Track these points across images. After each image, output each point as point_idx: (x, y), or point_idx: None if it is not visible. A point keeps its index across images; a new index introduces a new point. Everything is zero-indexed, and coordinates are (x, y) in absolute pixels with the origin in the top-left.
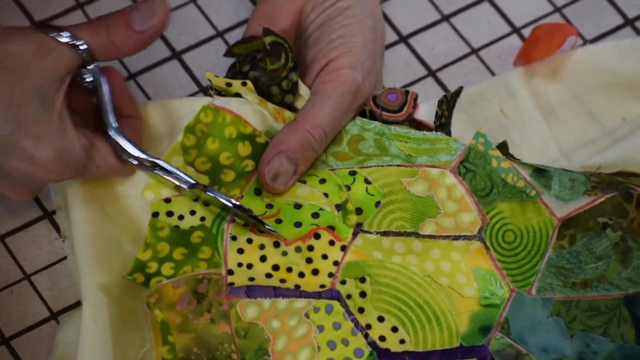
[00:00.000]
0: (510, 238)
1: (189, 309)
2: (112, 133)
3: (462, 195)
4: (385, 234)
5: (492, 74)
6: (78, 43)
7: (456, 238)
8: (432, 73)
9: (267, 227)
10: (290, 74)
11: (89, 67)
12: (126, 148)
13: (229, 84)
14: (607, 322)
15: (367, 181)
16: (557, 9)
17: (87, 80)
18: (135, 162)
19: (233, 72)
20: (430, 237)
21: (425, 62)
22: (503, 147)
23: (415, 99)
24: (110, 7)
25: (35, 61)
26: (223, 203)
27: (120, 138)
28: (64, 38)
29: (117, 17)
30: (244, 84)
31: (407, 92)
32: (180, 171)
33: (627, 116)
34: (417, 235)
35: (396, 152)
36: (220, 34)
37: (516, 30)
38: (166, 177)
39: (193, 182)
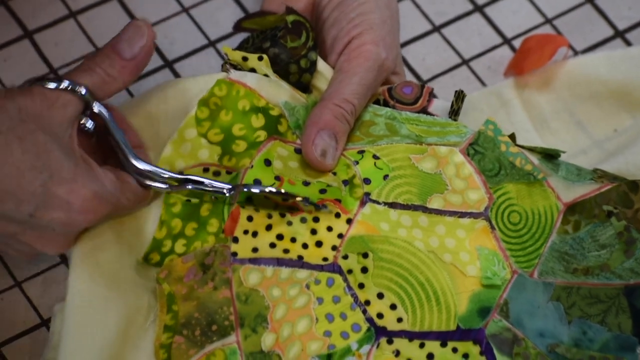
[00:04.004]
0: (515, 219)
1: (195, 280)
2: (136, 161)
3: (470, 173)
4: (392, 205)
5: (483, 84)
6: (77, 88)
7: (462, 215)
8: (422, 83)
9: (318, 206)
10: (309, 52)
11: (93, 108)
12: (156, 171)
13: (245, 58)
14: (606, 310)
15: (375, 157)
16: (548, 20)
17: (87, 123)
18: (164, 186)
19: (245, 48)
20: (437, 212)
21: (416, 73)
22: (511, 138)
23: (430, 93)
24: (102, 17)
25: (45, 112)
26: (269, 193)
27: (146, 164)
28: (64, 86)
29: (107, 52)
30: (260, 59)
31: (422, 86)
32: (214, 180)
33: (618, 127)
34: (424, 209)
35: (406, 133)
36: (212, 44)
37: (507, 41)
38: (201, 188)
39: (230, 186)
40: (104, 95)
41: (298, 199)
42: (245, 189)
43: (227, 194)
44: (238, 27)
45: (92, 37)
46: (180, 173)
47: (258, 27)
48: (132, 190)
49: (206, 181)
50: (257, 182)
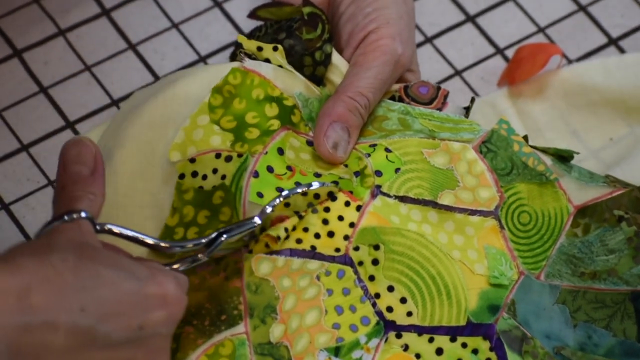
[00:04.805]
0: (525, 219)
1: (207, 270)
2: (167, 242)
3: (482, 171)
4: (403, 199)
5: (476, 95)
6: (83, 214)
7: (472, 213)
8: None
9: (326, 184)
10: (324, 45)
11: (103, 227)
12: (184, 244)
13: (259, 48)
14: (611, 315)
15: (387, 150)
16: (541, 30)
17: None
18: (201, 257)
19: (258, 36)
20: (447, 208)
21: None
22: (524, 139)
23: (446, 96)
24: (92, 34)
25: (83, 238)
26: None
27: (177, 242)
28: (73, 216)
29: (70, 180)
30: (275, 49)
31: (438, 88)
32: (240, 222)
33: (614, 135)
34: (434, 204)
35: (419, 127)
36: (202, 59)
37: (500, 51)
38: (233, 234)
39: (258, 219)
40: (96, 214)
41: (315, 185)
42: (269, 209)
43: (260, 222)
44: (253, 15)
45: (82, 55)
46: (206, 236)
47: (273, 17)
48: (183, 277)
49: (234, 227)
50: (270, 169)
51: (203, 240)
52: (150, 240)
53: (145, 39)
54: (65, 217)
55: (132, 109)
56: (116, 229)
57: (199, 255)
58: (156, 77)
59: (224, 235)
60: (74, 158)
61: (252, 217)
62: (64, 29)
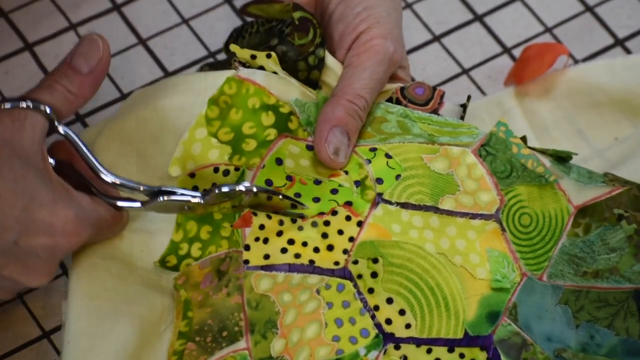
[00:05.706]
0: (526, 221)
1: (210, 287)
2: (108, 175)
3: (482, 175)
4: (404, 205)
5: (483, 93)
6: (42, 107)
7: (473, 217)
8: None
9: (293, 200)
10: (317, 49)
11: (58, 129)
12: (129, 184)
13: (253, 56)
14: (614, 314)
15: (387, 156)
16: (548, 30)
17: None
18: (137, 204)
19: (250, 32)
20: (449, 212)
21: None
22: (523, 140)
23: (442, 96)
24: (102, 29)
25: (16, 135)
26: (241, 191)
27: (119, 178)
28: (29, 105)
29: (64, 69)
30: (268, 56)
31: (434, 89)
32: (185, 190)
33: (619, 135)
34: (435, 209)
35: (418, 132)
36: (212, 55)
37: (507, 50)
38: (173, 199)
39: (199, 194)
40: (67, 113)
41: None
42: (217, 191)
43: (202, 201)
44: (243, 11)
45: None
46: (151, 187)
47: (264, 15)
48: (108, 212)
49: (178, 191)
50: (268, 183)
51: (149, 191)
52: (97, 167)
53: (156, 34)
54: (18, 103)
55: (128, 117)
56: (69, 137)
57: (136, 204)
58: (166, 72)
59: (162, 197)
60: (82, 51)
61: (196, 190)
62: (75, 23)
